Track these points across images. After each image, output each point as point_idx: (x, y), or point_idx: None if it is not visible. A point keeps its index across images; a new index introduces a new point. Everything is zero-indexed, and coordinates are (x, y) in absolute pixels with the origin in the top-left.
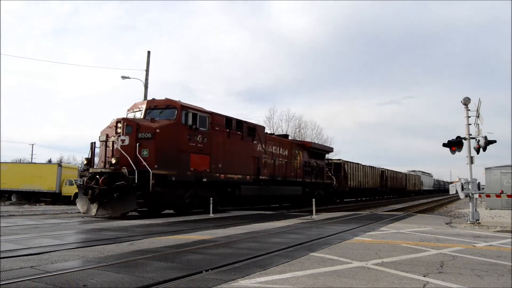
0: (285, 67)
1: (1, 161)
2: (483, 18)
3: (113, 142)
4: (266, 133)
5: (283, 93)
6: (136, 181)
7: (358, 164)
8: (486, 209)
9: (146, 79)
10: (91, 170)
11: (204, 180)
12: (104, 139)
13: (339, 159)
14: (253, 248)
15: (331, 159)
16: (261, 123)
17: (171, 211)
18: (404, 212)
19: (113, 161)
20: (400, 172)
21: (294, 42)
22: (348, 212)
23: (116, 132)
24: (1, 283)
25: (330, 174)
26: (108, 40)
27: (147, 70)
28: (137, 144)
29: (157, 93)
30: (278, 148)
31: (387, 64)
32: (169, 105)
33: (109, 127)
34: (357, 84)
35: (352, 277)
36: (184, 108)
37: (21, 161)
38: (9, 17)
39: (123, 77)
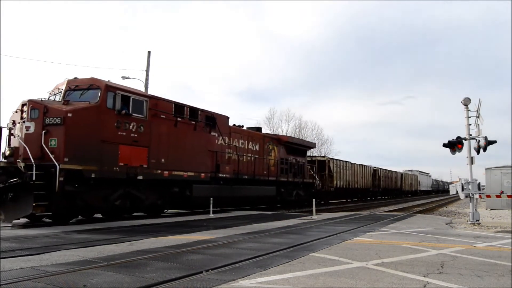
0: (285, 67)
1: None
2: (483, 18)
3: (19, 129)
4: (236, 125)
5: (283, 93)
6: (34, 178)
7: (346, 162)
8: (486, 209)
9: (146, 79)
10: None
11: (140, 177)
12: (11, 125)
13: (323, 156)
14: (253, 248)
15: (314, 156)
16: (261, 124)
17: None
18: (404, 213)
19: (7, 152)
20: (395, 172)
21: (295, 42)
22: (349, 212)
23: (21, 118)
24: (1, 283)
25: (312, 173)
26: (108, 40)
27: (147, 70)
28: (43, 131)
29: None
30: (246, 142)
31: (387, 64)
32: (92, 84)
33: (15, 111)
34: (358, 84)
35: (352, 278)
36: (111, 88)
37: None
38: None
39: (123, 77)
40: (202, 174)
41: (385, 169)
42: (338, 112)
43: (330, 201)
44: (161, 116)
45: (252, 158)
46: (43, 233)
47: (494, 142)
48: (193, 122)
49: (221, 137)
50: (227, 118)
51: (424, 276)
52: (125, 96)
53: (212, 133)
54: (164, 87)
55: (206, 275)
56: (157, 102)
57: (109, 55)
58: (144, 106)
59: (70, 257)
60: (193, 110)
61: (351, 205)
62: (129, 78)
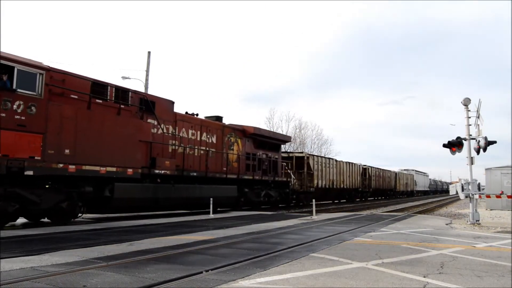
0: (285, 67)
1: None
2: (483, 18)
3: None
4: (188, 113)
5: (283, 93)
6: None
7: (330, 159)
8: (486, 209)
9: (146, 80)
10: None
11: (29, 173)
12: None
13: (301, 152)
14: (253, 249)
15: (291, 152)
16: (261, 124)
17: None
18: (404, 213)
19: None
20: (389, 171)
21: (295, 42)
22: (348, 212)
23: None
24: (1, 283)
25: (287, 170)
26: (107, 40)
27: (147, 71)
28: None
29: (158, 93)
30: (198, 132)
31: (387, 64)
32: None
33: None
34: (358, 84)
35: (352, 278)
36: None
37: None
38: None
39: (123, 78)
40: (129, 170)
41: (377, 168)
42: (338, 113)
43: (311, 203)
44: (72, 96)
45: (206, 151)
46: (43, 233)
47: (494, 142)
48: (118, 106)
49: (162, 126)
50: (171, 103)
51: (424, 277)
52: (6, 65)
53: (149, 120)
54: (164, 87)
55: (206, 275)
56: (64, 78)
57: (109, 55)
58: (38, 80)
59: (70, 257)
60: (121, 91)
61: (351, 206)
62: (129, 78)
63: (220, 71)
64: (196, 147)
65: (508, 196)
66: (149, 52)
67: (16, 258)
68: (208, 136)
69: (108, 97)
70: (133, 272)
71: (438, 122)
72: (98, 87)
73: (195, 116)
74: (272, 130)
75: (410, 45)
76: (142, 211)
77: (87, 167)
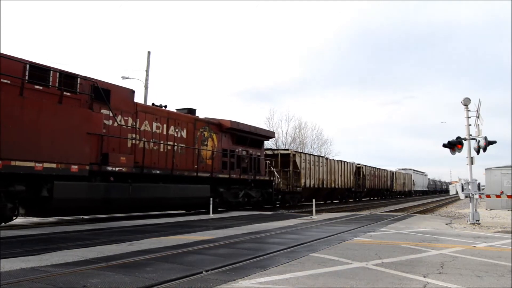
0: (285, 67)
1: None
2: (484, 18)
3: None
4: (155, 104)
5: (283, 93)
6: None
7: (319, 156)
8: (486, 209)
9: (146, 80)
10: None
11: None
12: None
13: (287, 149)
14: (253, 249)
15: (276, 149)
16: (261, 124)
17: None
18: (404, 213)
19: None
20: (385, 170)
21: (295, 42)
22: (348, 212)
23: None
24: (1, 283)
25: (272, 169)
26: (107, 40)
27: (147, 71)
28: None
29: (158, 93)
30: (164, 125)
31: (388, 64)
32: None
33: None
34: (358, 84)
35: (352, 278)
36: None
37: None
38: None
39: (123, 78)
40: (74, 167)
41: (372, 167)
42: (338, 112)
43: (298, 204)
44: (3, 80)
45: (174, 147)
46: (43, 233)
47: (494, 142)
48: (61, 93)
49: (119, 117)
50: (131, 92)
51: (424, 276)
52: None
53: (103, 111)
54: (164, 87)
55: (206, 275)
56: None
57: (109, 55)
58: None
59: (70, 257)
60: (67, 77)
61: (351, 206)
62: (129, 78)
63: (219, 71)
64: (161, 142)
65: (508, 196)
66: (149, 52)
67: (16, 258)
68: (177, 130)
69: (51, 83)
70: (133, 272)
71: (437, 122)
72: (38, 71)
73: (161, 107)
74: (272, 130)
75: (410, 45)
76: (92, 214)
77: (18, 163)
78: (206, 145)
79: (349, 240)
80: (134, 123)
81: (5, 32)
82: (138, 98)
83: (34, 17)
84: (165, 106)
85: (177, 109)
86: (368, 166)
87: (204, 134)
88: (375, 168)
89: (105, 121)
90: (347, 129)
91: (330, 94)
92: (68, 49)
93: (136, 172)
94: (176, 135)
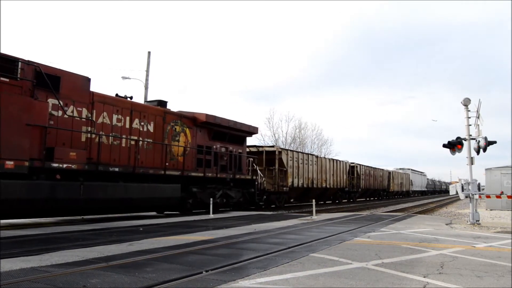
0: (285, 67)
1: None
2: (483, 18)
3: None
4: (119, 95)
5: (284, 93)
6: None
7: (309, 154)
8: (486, 210)
9: (146, 80)
10: None
11: None
12: None
13: (272, 146)
14: (253, 249)
15: (261, 147)
16: (261, 124)
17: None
18: (403, 213)
19: None
20: (381, 169)
21: (295, 42)
22: (348, 212)
23: None
24: (1, 283)
25: (255, 167)
26: (107, 40)
27: (147, 71)
28: None
29: (158, 93)
30: (127, 118)
31: (388, 64)
32: None
33: None
34: (358, 84)
35: (352, 278)
36: None
37: None
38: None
39: (123, 78)
40: (9, 163)
41: (367, 166)
42: (338, 112)
43: (286, 205)
44: None
45: (139, 142)
46: (43, 233)
47: (494, 142)
48: None
49: (71, 108)
50: (87, 80)
51: (424, 277)
52: None
53: (50, 100)
54: (164, 87)
55: (206, 276)
56: None
57: (109, 55)
58: None
59: (70, 257)
60: (4, 60)
61: (351, 206)
62: (129, 78)
63: (219, 72)
64: (123, 136)
65: (508, 196)
66: (149, 52)
67: (16, 258)
68: (142, 124)
69: None
70: (133, 272)
71: (438, 122)
72: None
73: (128, 99)
74: (271, 130)
75: (410, 45)
76: (34, 217)
77: None
78: (178, 140)
79: (349, 240)
80: (90, 115)
81: (5, 32)
82: (138, 98)
83: (34, 17)
84: (131, 98)
85: (146, 101)
86: (363, 165)
87: (175, 128)
88: (371, 167)
89: (54, 112)
90: (347, 129)
91: (330, 94)
92: (68, 49)
93: (90, 169)
94: (141, 129)
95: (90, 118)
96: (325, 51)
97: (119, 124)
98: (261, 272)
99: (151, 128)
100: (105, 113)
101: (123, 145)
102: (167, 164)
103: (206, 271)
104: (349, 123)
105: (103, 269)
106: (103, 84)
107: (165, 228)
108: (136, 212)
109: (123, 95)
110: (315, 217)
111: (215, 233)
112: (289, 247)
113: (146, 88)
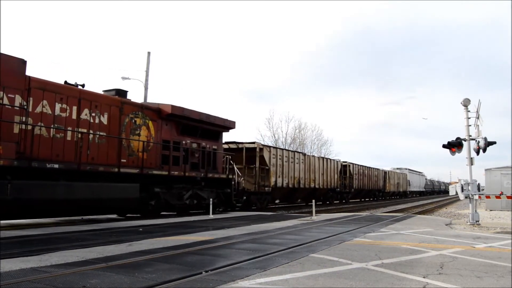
0: (285, 67)
1: None
2: (483, 18)
3: None
4: (67, 83)
5: (284, 93)
6: None
7: (295, 152)
8: (486, 210)
9: (146, 80)
10: None
11: None
12: None
13: (253, 142)
14: (253, 249)
15: (241, 143)
16: (261, 124)
17: None
18: (403, 214)
19: None
20: (377, 169)
21: (295, 42)
22: (348, 213)
23: None
24: (1, 283)
25: (232, 165)
26: (107, 40)
27: (147, 71)
28: None
29: (158, 93)
30: (72, 108)
31: (388, 65)
32: None
33: None
34: (358, 84)
35: (352, 278)
36: None
37: None
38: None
39: (123, 78)
40: None
41: (361, 165)
42: (338, 113)
43: (270, 206)
44: None
45: (90, 136)
46: (43, 233)
47: (494, 143)
48: None
49: (0, 93)
50: (21, 62)
51: (424, 277)
52: None
53: None
54: (164, 87)
55: (206, 276)
56: None
57: (109, 55)
58: None
59: (70, 257)
60: None
61: (351, 206)
62: (129, 79)
63: (219, 72)
64: (69, 128)
65: (508, 197)
66: (149, 53)
67: (16, 258)
68: (94, 115)
69: None
70: (132, 272)
71: (438, 123)
72: None
73: (80, 87)
74: (271, 130)
75: (410, 45)
76: None
77: None
78: (139, 134)
79: (349, 241)
80: (25, 103)
81: (6, 32)
82: (138, 98)
83: (34, 17)
84: (83, 86)
85: (104, 91)
86: (356, 164)
87: (135, 120)
88: (365, 166)
89: None
90: (347, 129)
91: (331, 94)
92: (68, 49)
93: (20, 165)
94: (92, 120)
95: (25, 107)
96: (325, 51)
97: (63, 115)
98: (261, 273)
99: (104, 120)
100: (45, 102)
101: (68, 138)
102: (123, 160)
103: (206, 271)
104: (349, 123)
105: (103, 269)
106: (103, 84)
107: (165, 229)
108: (89, 215)
109: (73, 83)
110: (314, 217)
111: (215, 233)
112: (289, 248)
113: (146, 88)
